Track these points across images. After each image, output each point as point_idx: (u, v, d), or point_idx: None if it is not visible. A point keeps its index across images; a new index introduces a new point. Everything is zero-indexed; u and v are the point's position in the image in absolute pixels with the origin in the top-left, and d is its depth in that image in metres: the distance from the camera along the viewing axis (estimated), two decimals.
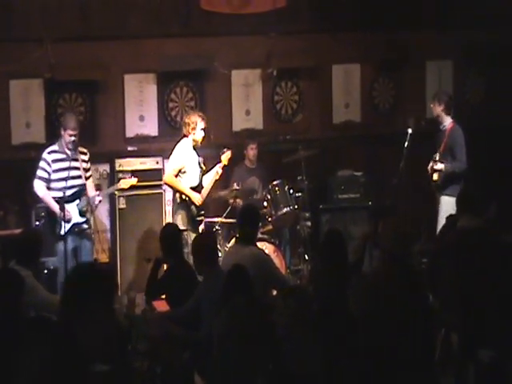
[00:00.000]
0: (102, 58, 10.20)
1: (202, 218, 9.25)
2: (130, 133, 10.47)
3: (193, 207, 9.07)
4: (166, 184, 9.35)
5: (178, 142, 9.20)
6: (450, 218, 7.50)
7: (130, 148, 10.40)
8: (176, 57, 10.49)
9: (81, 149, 8.86)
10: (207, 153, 9.67)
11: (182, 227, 8.83)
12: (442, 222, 9.44)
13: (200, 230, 9.10)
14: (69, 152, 8.70)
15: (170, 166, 9.18)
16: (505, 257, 6.49)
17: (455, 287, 6.37)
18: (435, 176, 9.58)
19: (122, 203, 9.82)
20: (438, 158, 9.48)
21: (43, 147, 9.52)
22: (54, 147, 8.75)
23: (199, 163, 9.21)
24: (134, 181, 9.09)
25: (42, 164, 8.66)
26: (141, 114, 10.51)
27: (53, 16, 9.93)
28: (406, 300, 5.96)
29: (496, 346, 6.08)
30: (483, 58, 11.67)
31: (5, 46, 9.75)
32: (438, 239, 7.68)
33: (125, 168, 9.85)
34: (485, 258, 6.39)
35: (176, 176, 9.07)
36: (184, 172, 9.08)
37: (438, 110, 9.72)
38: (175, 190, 9.20)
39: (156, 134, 10.55)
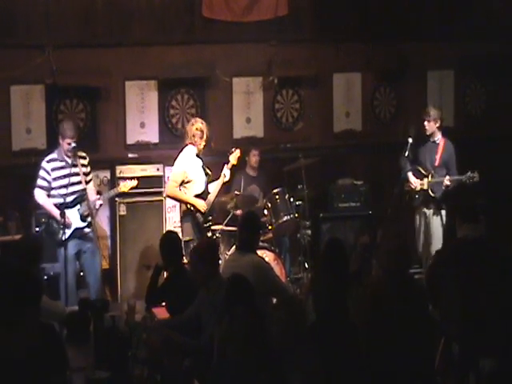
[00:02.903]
0: (103, 65, 10.20)
1: (210, 224, 9.17)
2: (131, 139, 10.48)
3: (198, 215, 9.02)
4: (168, 197, 9.28)
5: (181, 150, 9.12)
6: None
7: (130, 155, 10.40)
8: (177, 64, 10.50)
9: (80, 153, 8.88)
10: (207, 160, 9.66)
11: (188, 237, 8.91)
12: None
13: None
14: (68, 159, 8.74)
15: (171, 178, 9.11)
16: (505, 266, 6.49)
17: (455, 297, 6.37)
18: (431, 192, 9.59)
19: (122, 210, 9.82)
20: (448, 177, 9.50)
21: (44, 153, 9.52)
22: (53, 155, 8.75)
23: (204, 169, 9.18)
24: (134, 183, 9.06)
25: (41, 173, 8.70)
26: (142, 120, 10.52)
27: (55, 22, 9.96)
28: (406, 310, 5.96)
29: (497, 355, 6.07)
30: (484, 68, 11.68)
31: (7, 52, 9.76)
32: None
33: (125, 175, 9.84)
34: (485, 267, 6.38)
35: (181, 185, 9.01)
36: (188, 182, 9.02)
37: (434, 127, 9.73)
38: (179, 201, 9.17)
39: (157, 141, 10.56)
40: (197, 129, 9.01)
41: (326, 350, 5.46)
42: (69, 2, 10.02)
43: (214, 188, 9.23)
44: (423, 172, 9.71)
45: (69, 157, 8.72)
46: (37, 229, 9.40)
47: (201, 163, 9.15)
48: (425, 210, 9.75)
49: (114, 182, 9.80)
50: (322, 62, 11.17)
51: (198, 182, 9.08)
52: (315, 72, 11.20)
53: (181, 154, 9.10)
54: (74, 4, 10.04)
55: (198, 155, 9.12)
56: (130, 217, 9.87)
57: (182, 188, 9.02)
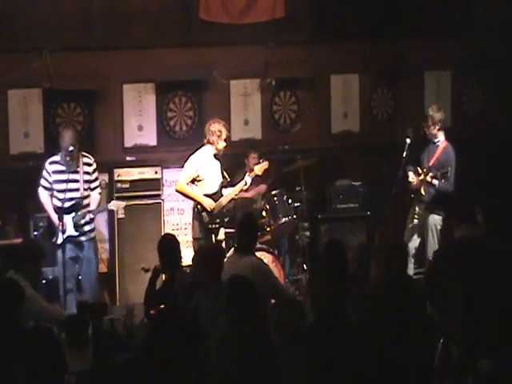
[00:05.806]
0: (101, 68, 10.19)
1: (216, 225, 9.16)
2: (129, 143, 10.47)
3: (204, 214, 9.06)
4: (177, 191, 9.34)
5: (199, 148, 9.21)
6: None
7: (128, 158, 10.39)
8: (175, 67, 10.49)
9: (86, 159, 8.93)
10: None
11: (195, 236, 9.06)
12: (432, 240, 9.47)
13: (214, 239, 9.08)
14: (69, 164, 8.76)
15: (181, 174, 9.21)
16: (503, 266, 6.50)
17: (454, 297, 6.37)
18: (422, 191, 9.56)
19: (120, 213, 9.80)
20: (431, 173, 9.40)
21: (42, 157, 9.51)
22: (56, 158, 8.81)
23: (221, 172, 9.21)
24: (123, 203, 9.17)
25: (43, 173, 8.83)
26: (139, 123, 10.50)
27: (53, 26, 9.95)
28: (404, 311, 5.97)
29: (495, 356, 6.07)
30: (482, 69, 11.67)
31: (4, 56, 9.74)
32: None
33: (123, 178, 9.86)
34: (483, 267, 6.39)
35: (192, 183, 9.10)
36: (200, 180, 9.08)
37: (435, 131, 9.71)
38: (187, 197, 9.22)
39: (155, 144, 10.55)
40: (213, 129, 9.09)
41: (324, 351, 5.45)
42: (66, 6, 10.02)
43: (229, 192, 9.28)
44: (419, 171, 9.65)
45: (70, 162, 8.73)
46: (35, 232, 9.40)
47: (218, 165, 9.21)
48: (417, 209, 9.75)
49: (112, 185, 9.79)
50: (319, 64, 11.15)
51: (211, 182, 9.13)
52: (312, 73, 11.19)
53: (197, 151, 9.19)
54: (71, 7, 10.04)
55: (216, 156, 9.17)
56: (128, 220, 9.86)
57: (193, 186, 9.08)
